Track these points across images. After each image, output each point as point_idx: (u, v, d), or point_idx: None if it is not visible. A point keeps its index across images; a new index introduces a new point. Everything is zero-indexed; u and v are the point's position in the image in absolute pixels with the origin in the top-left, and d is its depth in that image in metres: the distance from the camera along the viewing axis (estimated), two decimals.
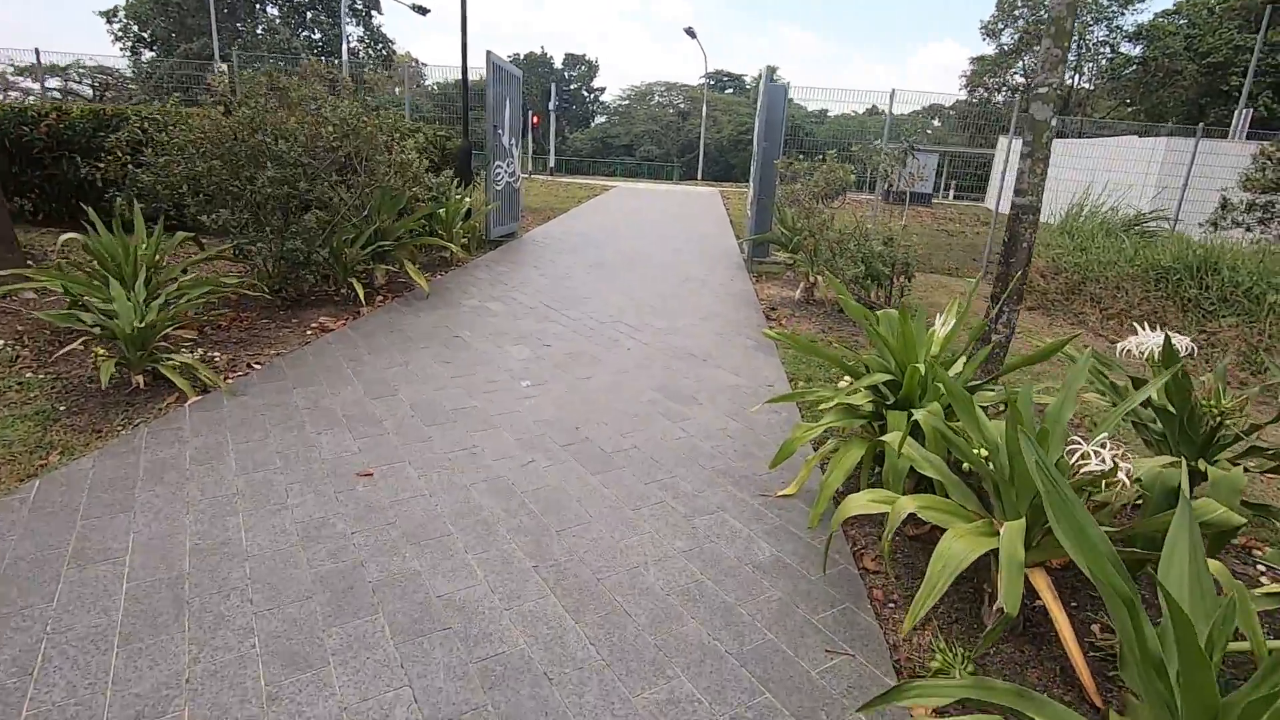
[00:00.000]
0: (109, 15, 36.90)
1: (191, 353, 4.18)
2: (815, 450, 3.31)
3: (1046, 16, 3.51)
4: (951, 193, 25.13)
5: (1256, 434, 2.43)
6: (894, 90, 11.36)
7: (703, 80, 44.10)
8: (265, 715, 1.72)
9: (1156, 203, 11.71)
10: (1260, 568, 2.59)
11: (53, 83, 19.05)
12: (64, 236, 4.89)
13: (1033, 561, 2.02)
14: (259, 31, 38.18)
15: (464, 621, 2.08)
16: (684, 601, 2.24)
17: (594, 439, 3.42)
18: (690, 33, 32.46)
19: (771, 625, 2.15)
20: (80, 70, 20.43)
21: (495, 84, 8.43)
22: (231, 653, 1.91)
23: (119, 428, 3.24)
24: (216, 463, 2.96)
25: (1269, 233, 8.91)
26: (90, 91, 20.00)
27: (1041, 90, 3.52)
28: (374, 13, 40.89)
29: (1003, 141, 18.71)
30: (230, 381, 3.87)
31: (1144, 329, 2.72)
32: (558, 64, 58.20)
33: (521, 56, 55.45)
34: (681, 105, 52.51)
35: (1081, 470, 1.90)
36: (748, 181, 10.77)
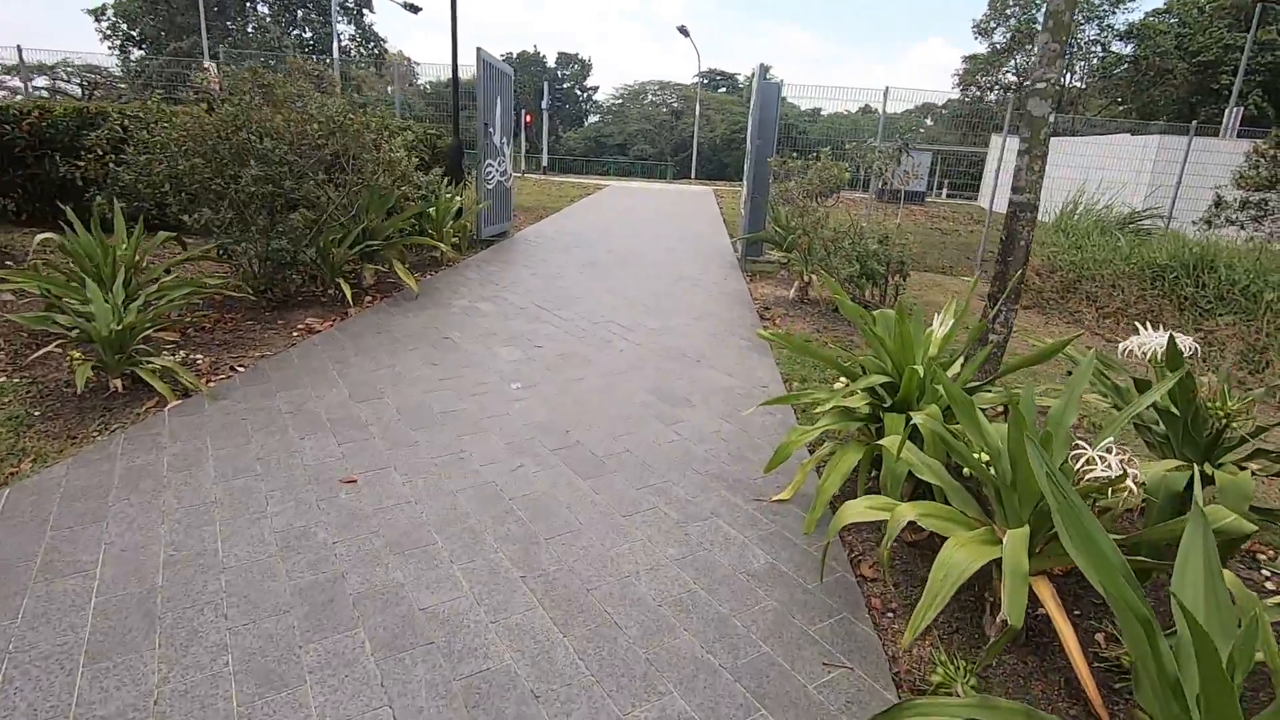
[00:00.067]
0: (97, 14, 36.58)
1: (173, 355, 4.08)
2: (811, 453, 3.24)
3: (1045, 11, 3.45)
4: (944, 191, 25.15)
5: (1261, 436, 2.37)
6: (887, 88, 11.33)
7: (696, 79, 44.06)
8: None
9: (1150, 201, 11.71)
10: (1265, 573, 2.54)
11: (40, 81, 18.82)
12: (40, 236, 4.77)
13: (1036, 570, 1.95)
14: (249, 30, 37.92)
15: (448, 636, 2.00)
16: (676, 612, 2.17)
17: (585, 443, 3.34)
18: (683, 31, 32.38)
19: (767, 637, 2.08)
20: (68, 69, 20.20)
21: (486, 81, 8.34)
22: (203, 671, 1.82)
23: (95, 433, 3.15)
24: (195, 470, 2.87)
25: (1262, 230, 8.89)
26: (79, 90, 19.78)
27: (1039, 85, 3.46)
28: (365, 11, 40.68)
29: (996, 140, 18.71)
30: (212, 385, 3.78)
31: (1146, 329, 2.66)
32: (551, 63, 58.05)
33: (514, 55, 55.25)
34: (675, 104, 52.42)
35: (1087, 476, 1.83)
36: (741, 180, 10.71)
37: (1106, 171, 12.77)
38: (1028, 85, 3.48)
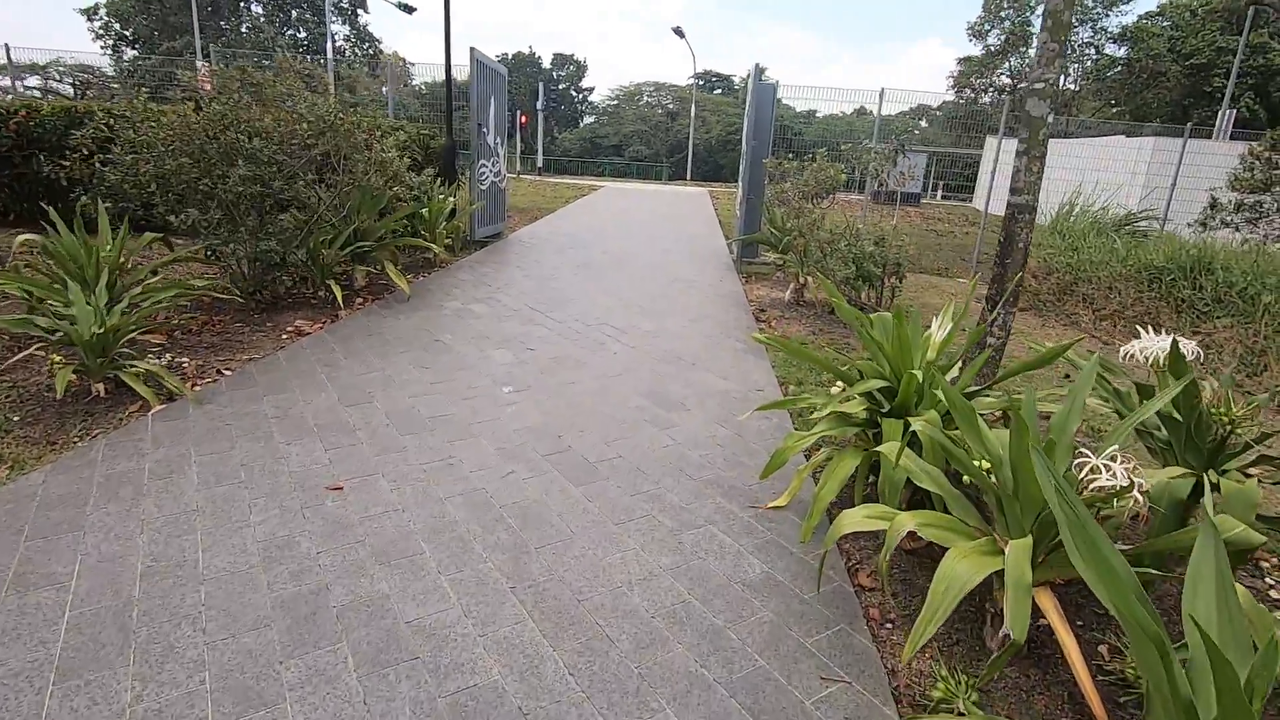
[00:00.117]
0: (89, 13, 36.35)
1: (159, 358, 4.01)
2: (807, 459, 3.19)
3: (1043, 10, 3.40)
4: (939, 193, 25.18)
5: (1266, 442, 2.32)
6: (883, 89, 11.31)
7: (691, 80, 44.05)
8: None
9: (1145, 203, 11.71)
10: (1270, 581, 2.50)
11: (33, 81, 18.66)
12: (21, 237, 4.69)
13: (1038, 580, 1.90)
14: (243, 30, 37.74)
15: (434, 650, 1.94)
16: (670, 624, 2.11)
17: (577, 448, 3.28)
18: (679, 32, 32.37)
19: (763, 650, 2.03)
20: (60, 69, 20.05)
21: (479, 81, 8.27)
22: (179, 689, 1.76)
23: (75, 439, 3.07)
24: (177, 476, 2.79)
25: (1257, 233, 8.90)
26: (71, 90, 19.62)
27: (1038, 86, 3.42)
28: (360, 11, 40.55)
29: (991, 141, 18.72)
30: (198, 389, 3.70)
31: (1147, 332, 2.61)
32: (546, 64, 57.99)
33: (510, 56, 55.18)
34: (670, 105, 52.40)
35: (1091, 485, 1.78)
36: (737, 181, 10.67)
37: (1102, 173, 12.79)
38: (1025, 86, 3.44)
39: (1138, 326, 2.76)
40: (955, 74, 39.40)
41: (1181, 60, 30.24)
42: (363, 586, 2.19)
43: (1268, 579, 2.54)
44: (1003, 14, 36.60)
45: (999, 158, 9.40)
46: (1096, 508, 1.85)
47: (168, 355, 4.13)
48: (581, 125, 58.11)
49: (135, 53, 35.59)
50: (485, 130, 8.60)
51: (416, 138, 9.09)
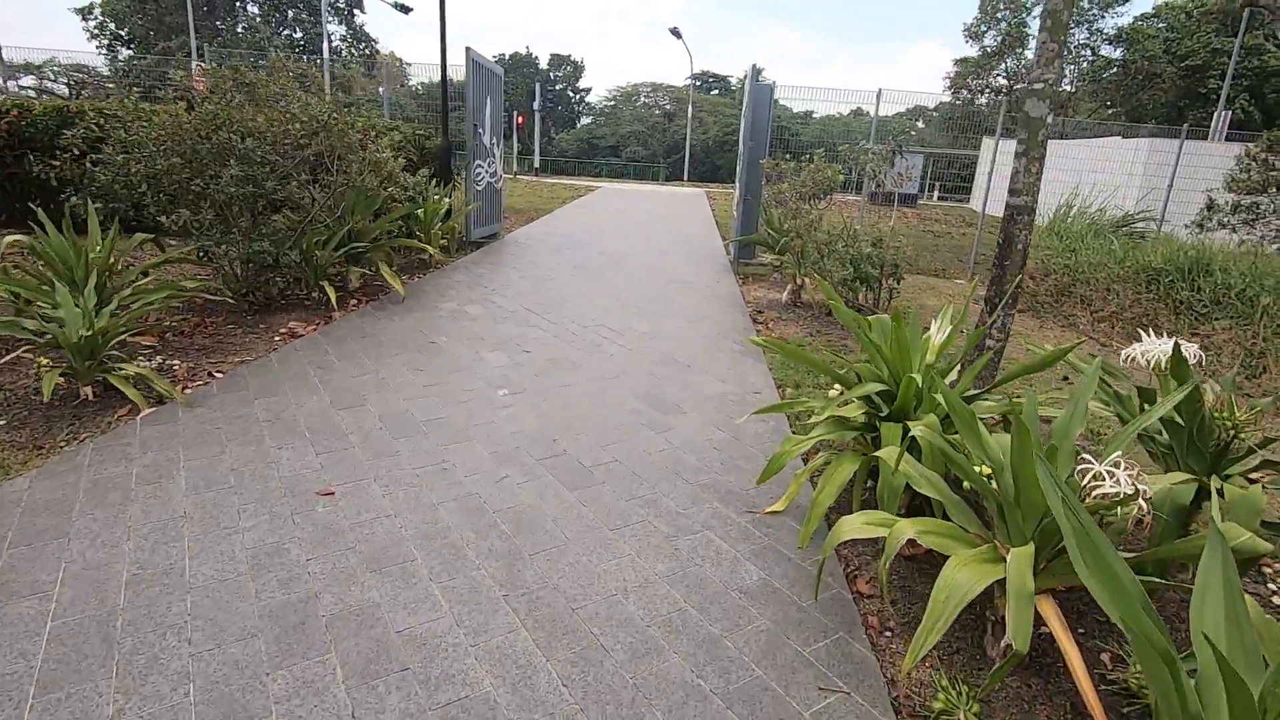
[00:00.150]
0: (84, 12, 36.20)
1: (149, 361, 3.97)
2: (805, 463, 3.16)
3: (1042, 10, 3.38)
4: (936, 194, 25.19)
5: (1270, 447, 2.30)
6: (880, 90, 11.29)
7: (688, 81, 44.03)
8: None
9: (1142, 204, 11.71)
10: (1272, 586, 2.47)
11: (27, 80, 18.56)
12: (9, 238, 4.63)
13: (1040, 588, 1.87)
14: (239, 30, 37.62)
15: (424, 660, 1.90)
16: (665, 633, 2.07)
17: (573, 452, 3.24)
18: (675, 33, 32.35)
19: (760, 659, 1.99)
20: (55, 68, 19.94)
21: (475, 81, 8.23)
22: (162, 702, 1.72)
23: (62, 443, 3.02)
24: (165, 482, 2.75)
25: (1254, 234, 8.90)
26: (66, 90, 19.52)
27: (1037, 86, 3.39)
28: (356, 11, 40.46)
29: (987, 143, 18.72)
30: (188, 392, 3.66)
31: (1148, 335, 2.58)
32: (543, 64, 57.93)
33: (507, 56, 55.11)
34: (667, 106, 52.40)
35: (1095, 492, 1.75)
36: (733, 182, 10.64)
37: (1099, 174, 12.79)
38: (1024, 86, 3.42)
39: (1139, 329, 2.73)
40: (951, 75, 39.46)
41: (1177, 62, 30.31)
42: (353, 595, 2.15)
43: (1270, 584, 2.51)
44: (999, 15, 36.66)
45: (996, 159, 9.39)
46: (1099, 515, 1.82)
47: (158, 357, 4.08)
48: (579, 126, 58.07)
49: (130, 53, 35.44)
50: (481, 130, 8.56)
51: (412, 138, 9.04)
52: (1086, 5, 33.88)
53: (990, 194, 9.85)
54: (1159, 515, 2.07)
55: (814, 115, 43.99)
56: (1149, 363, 2.46)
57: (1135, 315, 6.19)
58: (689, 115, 34.16)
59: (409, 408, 3.63)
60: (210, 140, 4.74)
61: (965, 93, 38.81)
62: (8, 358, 3.59)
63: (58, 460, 2.87)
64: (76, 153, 4.79)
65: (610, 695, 1.83)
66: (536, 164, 31.23)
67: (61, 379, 3.34)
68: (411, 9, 24.23)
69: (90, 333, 3.32)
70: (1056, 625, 1.81)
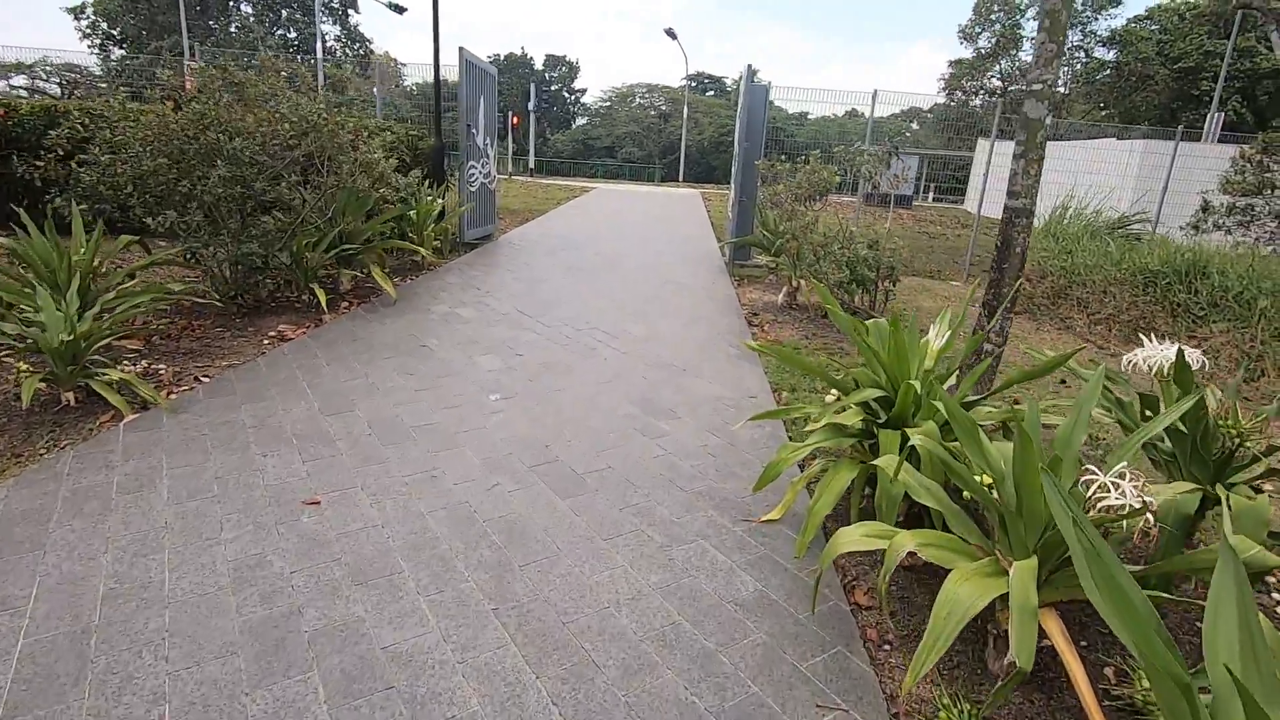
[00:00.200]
0: (76, 12, 35.98)
1: (133, 365, 3.89)
2: (801, 470, 3.11)
3: (1040, 10, 3.34)
4: (930, 195, 25.22)
5: (1276, 455, 2.25)
6: (876, 91, 11.26)
7: (684, 82, 44.01)
8: None
9: (1138, 205, 11.72)
10: (1276, 596, 2.43)
11: (19, 80, 18.40)
12: None
13: (1043, 601, 1.82)
14: (232, 30, 37.43)
15: (410, 678, 1.84)
16: (659, 648, 2.02)
17: (565, 459, 3.18)
18: (670, 34, 32.31)
19: (756, 675, 1.94)
20: (47, 68, 19.78)
21: (469, 82, 8.17)
22: None
23: (41, 451, 2.95)
24: (146, 491, 2.68)
25: (1249, 236, 8.89)
26: (58, 89, 19.35)
27: (1035, 87, 3.35)
28: (350, 11, 40.32)
29: (983, 144, 18.73)
30: (173, 397, 3.59)
31: (1150, 340, 2.54)
32: (538, 65, 57.83)
33: (502, 57, 54.99)
34: (663, 107, 52.35)
35: (1099, 505, 1.70)
36: (729, 183, 10.60)
37: (1093, 175, 12.79)
38: (1023, 87, 3.37)
39: (1140, 334, 2.69)
40: (946, 76, 39.55)
41: (1170, 63, 30.44)
42: (337, 609, 2.09)
43: (1274, 594, 2.47)
44: (993, 17, 36.77)
45: (991, 160, 9.36)
46: (1104, 529, 1.77)
47: (144, 361, 4.01)
48: (574, 126, 57.97)
49: (123, 52, 35.22)
50: (475, 131, 8.50)
51: (405, 138, 8.97)
52: (1080, 7, 34.00)
53: (985, 195, 9.83)
54: (1164, 527, 2.02)
55: (809, 116, 44.05)
56: (1151, 368, 2.42)
57: (1132, 318, 6.16)
58: (684, 116, 34.15)
59: (399, 413, 3.56)
60: (198, 140, 4.66)
61: (960, 94, 38.91)
62: None
63: (37, 468, 2.80)
64: (61, 153, 4.71)
65: (602, 715, 1.77)
66: (531, 164, 31.16)
67: (42, 384, 3.26)
68: (405, 9, 24.15)
69: (72, 337, 3.25)
70: (1060, 640, 1.76)
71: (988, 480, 2.01)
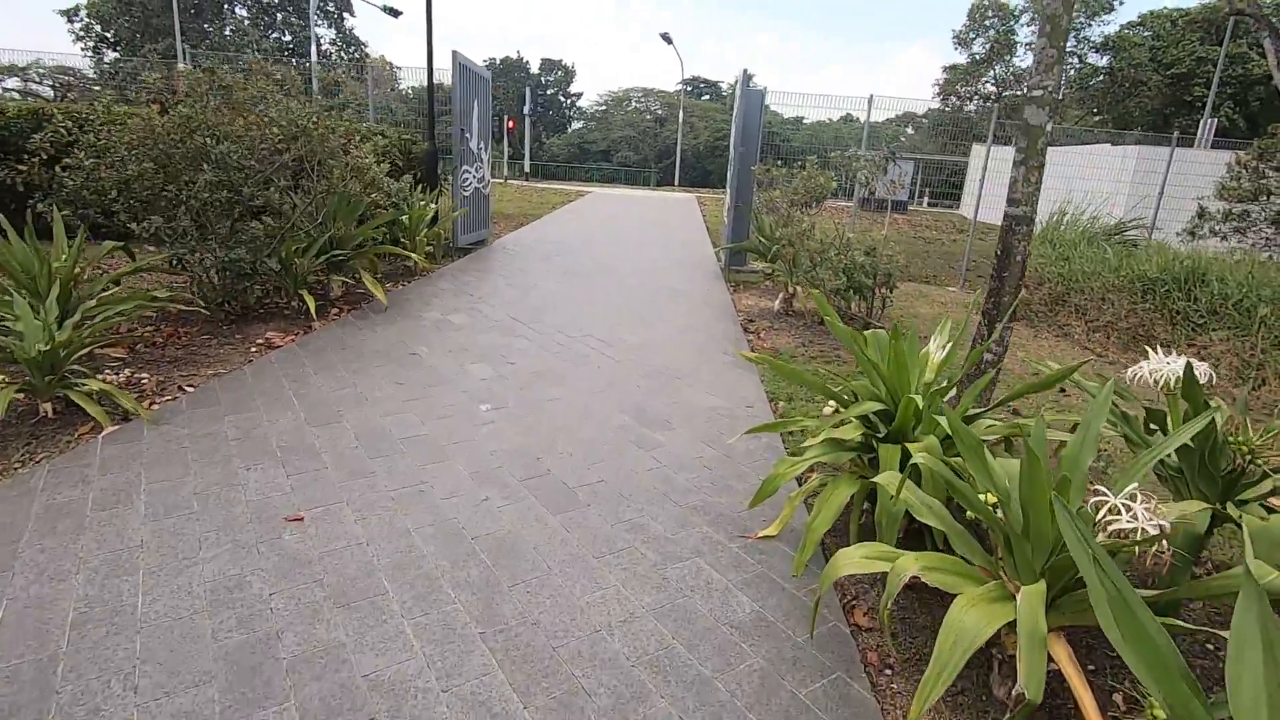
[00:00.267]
0: (69, 14, 35.79)
1: (117, 374, 3.81)
2: (799, 484, 3.04)
3: (1041, 15, 3.28)
4: (925, 200, 25.26)
5: None
6: (872, 96, 11.24)
7: (679, 86, 44.06)
8: None
9: (1134, 211, 11.71)
10: None
11: (12, 83, 18.26)
12: None
13: (1052, 626, 1.75)
14: (227, 33, 37.29)
15: (392, 708, 1.76)
16: (652, 674, 1.94)
17: (557, 471, 3.10)
18: (666, 39, 32.33)
19: (753, 704, 1.86)
20: (40, 70, 19.64)
21: (462, 85, 8.10)
22: None
23: (16, 465, 2.86)
24: (123, 507, 2.59)
25: (1245, 242, 8.88)
26: (51, 92, 19.22)
27: (1036, 93, 3.30)
28: (345, 15, 40.22)
29: (978, 149, 18.76)
30: (155, 407, 3.50)
31: (1156, 352, 2.48)
32: (534, 69, 57.85)
33: (497, 61, 55.00)
34: (659, 111, 52.40)
35: (1110, 528, 1.64)
36: (725, 188, 10.55)
37: (1089, 181, 12.79)
38: (1023, 93, 3.32)
39: (1140, 343, 2.63)
40: (941, 81, 39.69)
41: (1162, 70, 30.59)
42: (317, 634, 2.00)
43: None
44: (987, 22, 36.93)
45: (987, 165, 9.34)
46: (1115, 553, 1.70)
47: (127, 370, 3.92)
48: (569, 130, 57.97)
49: (116, 55, 35.04)
50: (468, 135, 8.42)
51: (397, 142, 8.89)
52: (1074, 13, 34.17)
53: (983, 200, 9.80)
54: (1176, 550, 1.95)
55: (804, 121, 44.13)
56: (1158, 382, 2.36)
57: (1131, 325, 6.11)
58: (680, 120, 34.16)
59: (387, 424, 3.48)
60: (184, 145, 4.58)
61: (954, 99, 39.05)
62: None
63: (10, 483, 2.71)
64: (45, 157, 4.62)
65: None
66: (527, 169, 31.10)
67: (19, 395, 3.18)
68: (401, 12, 24.10)
69: (49, 347, 3.16)
70: (1069, 666, 1.69)
71: (992, 500, 1.94)
